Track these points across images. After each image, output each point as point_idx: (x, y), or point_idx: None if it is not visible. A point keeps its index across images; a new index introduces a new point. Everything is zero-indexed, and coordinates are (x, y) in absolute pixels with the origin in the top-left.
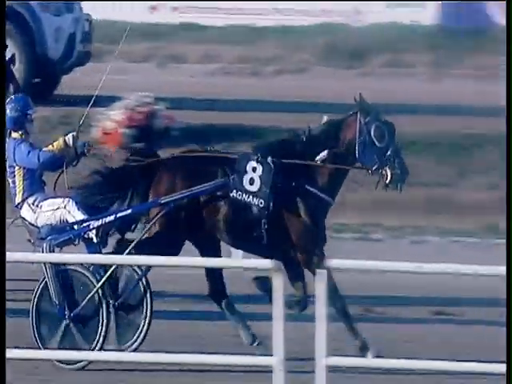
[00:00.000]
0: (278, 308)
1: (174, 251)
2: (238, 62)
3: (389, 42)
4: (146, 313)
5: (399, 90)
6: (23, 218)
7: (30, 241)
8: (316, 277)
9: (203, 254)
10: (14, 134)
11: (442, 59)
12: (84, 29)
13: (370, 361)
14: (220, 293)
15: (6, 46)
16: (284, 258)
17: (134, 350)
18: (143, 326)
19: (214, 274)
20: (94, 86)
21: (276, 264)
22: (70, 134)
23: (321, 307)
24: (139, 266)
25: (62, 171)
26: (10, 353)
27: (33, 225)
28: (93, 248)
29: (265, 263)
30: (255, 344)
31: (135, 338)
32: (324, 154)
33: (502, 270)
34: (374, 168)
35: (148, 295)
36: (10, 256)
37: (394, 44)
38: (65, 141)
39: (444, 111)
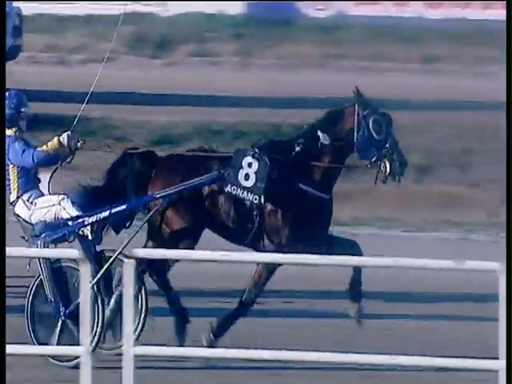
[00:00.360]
0: (84, 294)
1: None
2: (45, 50)
3: (196, 32)
4: (141, 309)
5: (207, 80)
6: (17, 215)
7: (23, 238)
8: (124, 266)
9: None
10: (8, 132)
11: (248, 48)
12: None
13: (177, 350)
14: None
15: None
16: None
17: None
18: (138, 322)
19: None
20: None
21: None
22: (65, 134)
23: (128, 298)
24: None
25: (56, 169)
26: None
27: (27, 222)
28: (87, 244)
29: (72, 253)
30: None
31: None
32: (324, 135)
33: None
34: (372, 161)
35: (143, 291)
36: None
37: (201, 33)
38: (59, 140)
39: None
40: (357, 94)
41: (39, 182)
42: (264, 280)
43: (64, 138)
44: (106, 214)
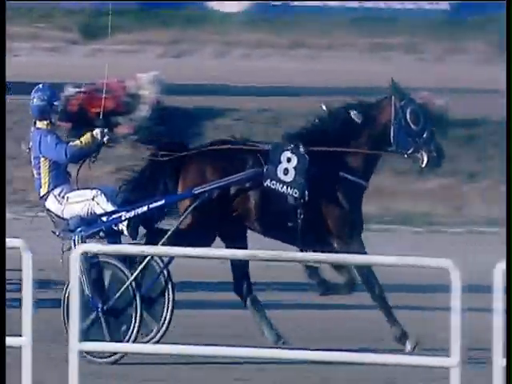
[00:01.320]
0: (26, 289)
1: (207, 241)
2: None
3: None
4: (168, 304)
5: None
6: (48, 210)
7: (54, 232)
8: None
9: (230, 244)
10: (40, 124)
11: None
12: None
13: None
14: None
15: None
16: (319, 245)
17: (122, 357)
18: (165, 318)
19: (239, 268)
20: None
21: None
22: (98, 129)
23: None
24: (161, 258)
25: (82, 164)
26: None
27: (59, 216)
28: (113, 240)
29: None
30: (280, 343)
31: (156, 330)
32: (356, 113)
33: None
34: (409, 152)
35: (170, 286)
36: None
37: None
38: (93, 135)
39: None
40: (392, 85)
41: (70, 176)
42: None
43: (97, 133)
44: (145, 209)
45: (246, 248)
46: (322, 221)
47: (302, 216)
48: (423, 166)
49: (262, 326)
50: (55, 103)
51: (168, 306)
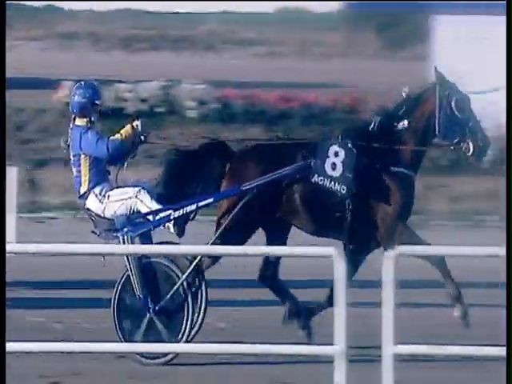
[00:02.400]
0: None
1: (248, 237)
2: None
3: None
4: (201, 304)
5: None
6: (88, 209)
7: (94, 232)
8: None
9: (271, 239)
10: (79, 121)
11: None
12: None
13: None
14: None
15: None
16: (367, 242)
17: (174, 358)
18: (198, 317)
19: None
20: None
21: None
22: (138, 120)
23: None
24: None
25: (124, 162)
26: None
27: (99, 216)
28: (146, 239)
29: None
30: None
31: (188, 329)
32: (404, 122)
33: None
34: (455, 141)
35: (189, 297)
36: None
37: None
38: (133, 127)
39: None
40: (437, 75)
41: (109, 174)
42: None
43: (138, 124)
44: (193, 207)
45: (285, 244)
46: (371, 216)
47: (349, 211)
48: (470, 154)
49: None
50: (97, 102)
51: (201, 307)
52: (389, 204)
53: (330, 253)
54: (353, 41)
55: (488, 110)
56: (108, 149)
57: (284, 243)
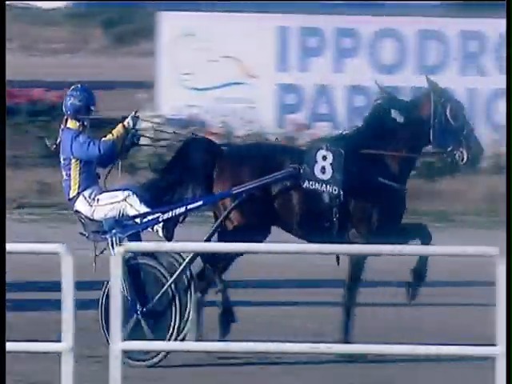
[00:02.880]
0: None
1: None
2: None
3: None
4: (175, 319)
5: None
6: (78, 212)
7: (83, 234)
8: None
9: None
10: (71, 124)
11: None
12: None
13: None
14: None
15: None
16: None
17: (160, 361)
18: (172, 333)
19: None
20: None
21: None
22: (129, 117)
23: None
24: (181, 257)
25: (114, 165)
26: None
27: (89, 218)
28: (135, 240)
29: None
30: None
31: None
32: (397, 112)
33: None
34: (449, 149)
35: (177, 300)
36: None
37: None
38: (124, 126)
39: None
40: (430, 83)
41: (99, 178)
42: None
43: (129, 121)
44: (182, 210)
45: None
46: (362, 219)
47: (337, 215)
48: (463, 163)
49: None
50: (92, 107)
51: (191, 307)
52: (370, 213)
53: (58, 250)
54: (79, 37)
55: (215, 106)
56: (100, 150)
57: None
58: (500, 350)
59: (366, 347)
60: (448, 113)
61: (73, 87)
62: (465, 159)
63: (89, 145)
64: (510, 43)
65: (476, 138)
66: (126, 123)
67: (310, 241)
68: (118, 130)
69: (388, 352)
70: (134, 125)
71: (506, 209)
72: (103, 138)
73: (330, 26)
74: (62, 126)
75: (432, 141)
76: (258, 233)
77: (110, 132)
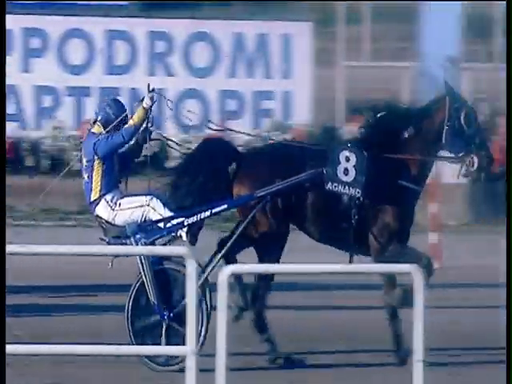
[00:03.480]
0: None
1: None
2: None
3: None
4: (202, 323)
5: None
6: (99, 217)
7: (103, 240)
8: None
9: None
10: (96, 129)
11: None
12: None
13: None
14: None
15: None
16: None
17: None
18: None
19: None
20: None
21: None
22: (146, 96)
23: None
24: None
25: (130, 171)
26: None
27: (110, 223)
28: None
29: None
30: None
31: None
32: (410, 129)
33: None
34: (460, 155)
35: (203, 305)
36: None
37: None
38: (143, 107)
39: None
40: (447, 88)
41: (120, 182)
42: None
43: (147, 101)
44: (207, 214)
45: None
46: (375, 223)
47: (357, 217)
48: (474, 169)
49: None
50: (125, 121)
51: (204, 315)
52: (390, 214)
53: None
54: None
55: None
56: (124, 137)
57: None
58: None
59: None
60: (462, 119)
61: (112, 98)
62: (475, 166)
63: (112, 137)
64: (511, 43)
65: (488, 146)
66: (144, 104)
67: (327, 243)
68: (138, 114)
69: None
70: (154, 101)
71: (506, 208)
72: (125, 126)
73: (18, 26)
74: (87, 131)
75: (444, 145)
76: (281, 235)
77: (131, 118)
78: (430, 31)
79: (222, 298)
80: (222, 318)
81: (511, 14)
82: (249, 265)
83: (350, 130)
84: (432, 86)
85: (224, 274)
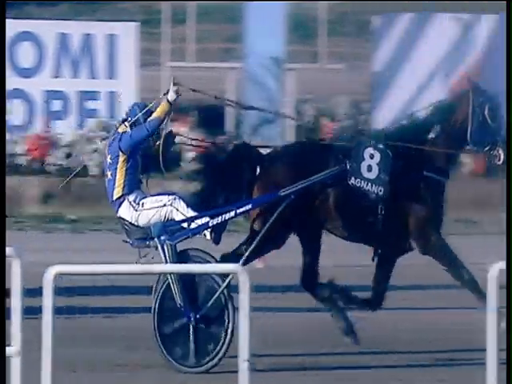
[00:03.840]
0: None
1: (281, 243)
2: None
3: None
4: (228, 324)
5: None
6: (121, 218)
7: (126, 242)
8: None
9: (306, 244)
10: (122, 128)
11: None
12: None
13: None
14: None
15: None
16: (398, 246)
17: (215, 366)
18: (225, 338)
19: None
20: None
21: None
22: (170, 90)
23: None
24: (221, 275)
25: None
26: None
27: (133, 224)
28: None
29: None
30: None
31: (216, 351)
32: (437, 128)
33: None
34: (486, 149)
35: (230, 305)
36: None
37: None
38: (167, 100)
39: None
40: (470, 82)
41: (141, 183)
42: None
43: (172, 95)
44: (232, 214)
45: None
46: (404, 219)
47: (383, 214)
48: (500, 163)
49: (337, 318)
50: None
51: (228, 326)
52: (421, 208)
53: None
54: None
55: None
56: (148, 129)
57: (318, 248)
58: None
59: None
60: (486, 113)
61: (147, 103)
62: (501, 159)
63: (137, 131)
64: (511, 43)
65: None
66: (169, 97)
67: (350, 239)
68: (163, 107)
69: None
70: (179, 94)
71: (506, 208)
72: (149, 119)
73: None
74: (113, 131)
75: (469, 139)
76: (308, 232)
77: (156, 110)
78: (255, 32)
79: (48, 298)
80: (47, 321)
81: (511, 13)
82: (76, 265)
83: (176, 129)
84: (257, 87)
85: (49, 273)
